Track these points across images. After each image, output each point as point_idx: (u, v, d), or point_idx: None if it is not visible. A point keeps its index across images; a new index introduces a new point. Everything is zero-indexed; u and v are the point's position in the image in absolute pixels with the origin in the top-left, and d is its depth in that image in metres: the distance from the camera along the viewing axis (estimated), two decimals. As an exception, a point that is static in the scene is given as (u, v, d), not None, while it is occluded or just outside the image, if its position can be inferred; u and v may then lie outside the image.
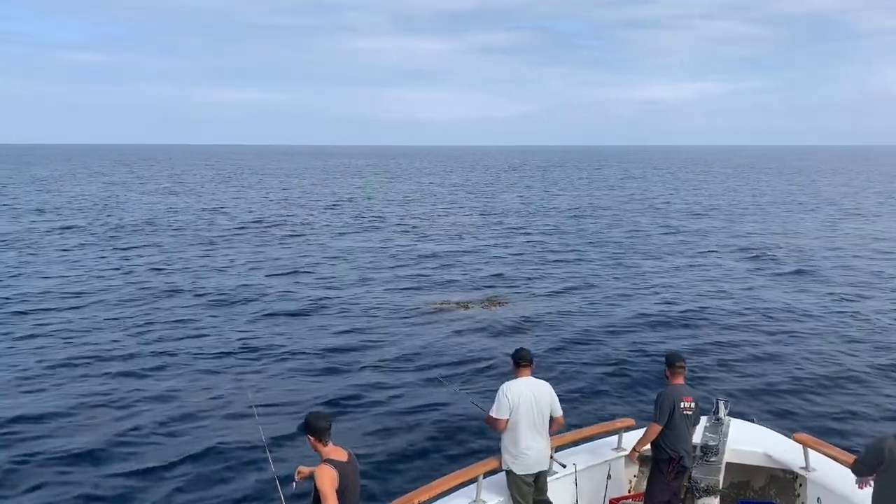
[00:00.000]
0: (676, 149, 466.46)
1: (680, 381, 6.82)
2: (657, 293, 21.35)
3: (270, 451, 6.39)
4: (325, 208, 48.79)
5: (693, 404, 6.76)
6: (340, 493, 4.98)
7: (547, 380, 6.81)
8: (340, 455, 5.17)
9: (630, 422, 7.75)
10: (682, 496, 7.06)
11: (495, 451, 6.81)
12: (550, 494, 6.77)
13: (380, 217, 43.02)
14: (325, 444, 5.15)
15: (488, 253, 29.28)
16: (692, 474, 7.07)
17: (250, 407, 10.59)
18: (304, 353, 15.41)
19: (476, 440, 10.60)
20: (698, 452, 7.22)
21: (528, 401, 6.44)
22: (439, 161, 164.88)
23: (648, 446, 6.92)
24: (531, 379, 6.60)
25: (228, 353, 15.19)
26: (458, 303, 19.83)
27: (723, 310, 19.12)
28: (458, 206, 50.61)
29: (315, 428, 5.13)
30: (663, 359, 7.01)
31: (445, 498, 6.47)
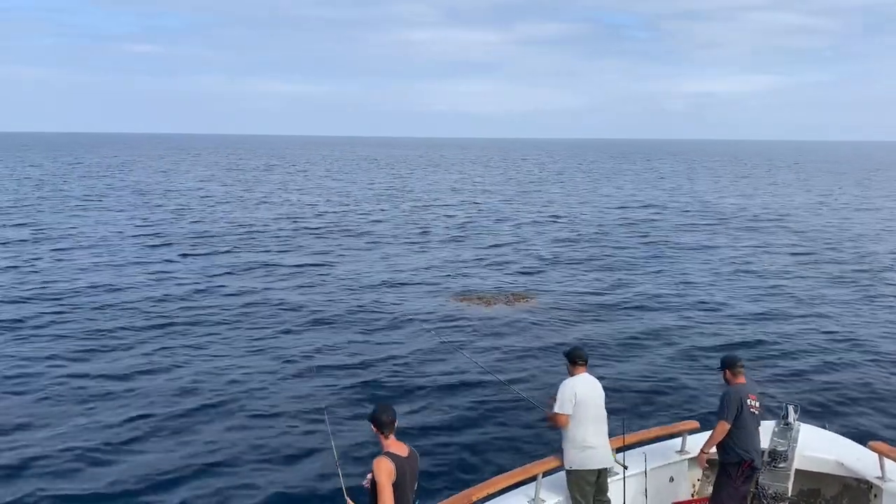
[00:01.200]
0: (728, 143, 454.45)
1: (742, 380, 6.68)
2: (710, 294, 20.79)
3: (334, 439, 6.45)
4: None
5: (758, 402, 6.64)
6: (397, 486, 5.04)
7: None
8: (401, 450, 5.22)
9: (695, 424, 7.54)
10: (749, 502, 6.86)
11: (555, 450, 6.74)
12: (611, 496, 6.66)
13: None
14: (387, 437, 5.21)
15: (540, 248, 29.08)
16: (759, 480, 6.87)
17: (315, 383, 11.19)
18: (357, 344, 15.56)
19: (534, 439, 10.51)
20: (766, 458, 7.00)
21: (591, 398, 6.49)
22: (489, 153, 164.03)
23: (714, 449, 6.72)
24: (589, 376, 6.65)
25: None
26: (490, 297, 19.65)
27: (786, 314, 18.38)
28: (495, 200, 50.36)
29: (378, 420, 5.22)
30: (719, 364, 6.91)
31: (504, 496, 6.42)
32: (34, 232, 30.45)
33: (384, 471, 5.01)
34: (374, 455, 5.27)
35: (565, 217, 39.71)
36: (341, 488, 5.57)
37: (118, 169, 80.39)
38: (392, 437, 5.24)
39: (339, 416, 11.33)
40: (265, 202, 45.17)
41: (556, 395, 6.55)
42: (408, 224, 35.84)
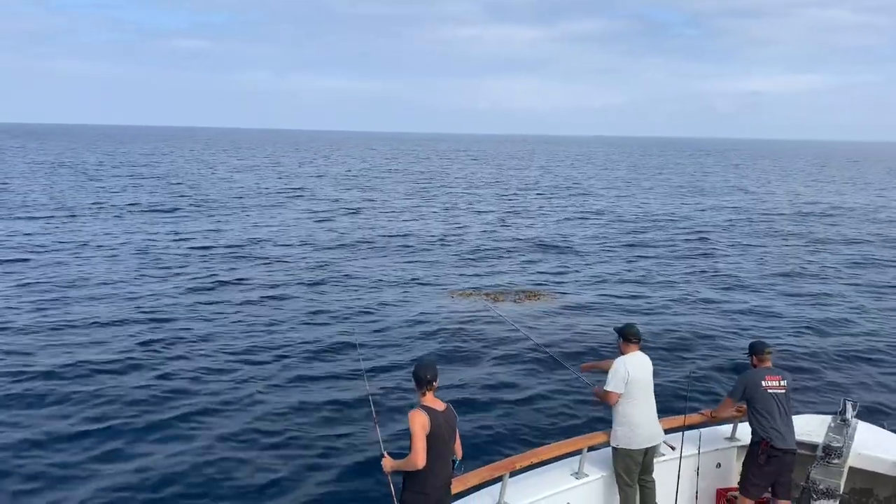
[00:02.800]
0: (779, 143, 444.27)
1: (766, 365, 6.72)
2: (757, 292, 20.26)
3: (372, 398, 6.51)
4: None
5: (781, 383, 6.58)
6: (431, 440, 5.14)
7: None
8: (437, 405, 5.32)
9: (745, 409, 7.31)
10: (798, 496, 6.74)
11: (602, 426, 6.73)
12: (655, 476, 6.62)
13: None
14: (425, 395, 5.32)
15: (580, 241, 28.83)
16: (811, 475, 6.70)
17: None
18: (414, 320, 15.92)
19: (582, 415, 10.60)
20: (820, 453, 6.87)
21: (642, 376, 6.47)
22: (541, 151, 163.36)
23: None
24: (641, 354, 6.60)
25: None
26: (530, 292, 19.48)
27: (847, 316, 17.78)
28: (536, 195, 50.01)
29: (418, 376, 5.34)
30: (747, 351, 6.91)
31: (547, 466, 6.44)
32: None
33: (418, 421, 5.14)
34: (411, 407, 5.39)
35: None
36: (378, 442, 5.71)
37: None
38: (430, 393, 5.32)
39: (380, 380, 11.87)
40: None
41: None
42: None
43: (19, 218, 30.77)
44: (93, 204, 36.60)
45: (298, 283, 19.65)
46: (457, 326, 15.57)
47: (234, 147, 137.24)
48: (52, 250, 23.64)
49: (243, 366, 12.97)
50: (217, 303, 17.41)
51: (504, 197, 47.34)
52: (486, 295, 18.58)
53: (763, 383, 6.58)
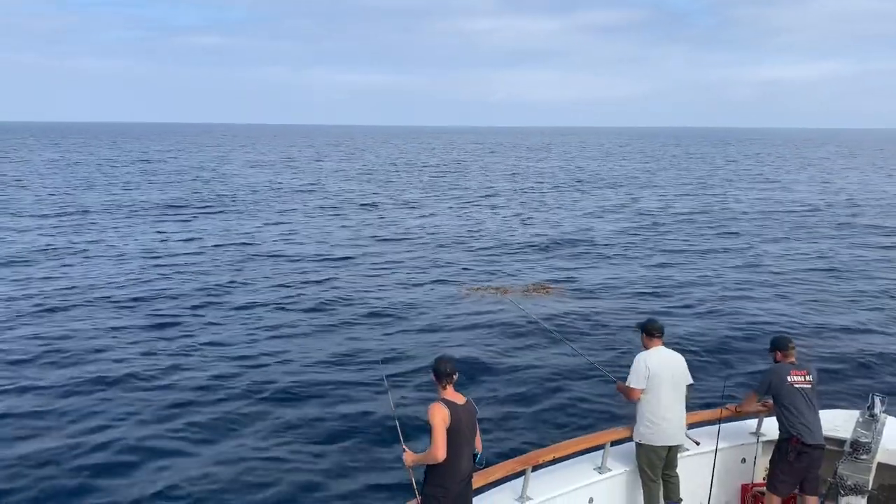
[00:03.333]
0: (799, 132, 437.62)
1: (791, 361, 6.62)
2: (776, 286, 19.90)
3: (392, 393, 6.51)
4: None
5: (807, 377, 6.48)
6: (452, 433, 5.12)
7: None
8: (457, 398, 5.31)
9: (771, 405, 7.19)
10: (826, 492, 6.64)
11: (625, 421, 6.68)
12: (679, 472, 6.54)
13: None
14: (445, 388, 5.30)
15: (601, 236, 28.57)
16: (838, 470, 6.60)
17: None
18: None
19: (605, 410, 10.55)
20: (847, 448, 6.74)
21: (667, 371, 6.38)
22: (558, 143, 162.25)
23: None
24: (666, 349, 6.52)
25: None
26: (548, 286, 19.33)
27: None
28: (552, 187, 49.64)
29: (437, 370, 5.32)
30: (769, 345, 6.81)
31: (570, 461, 6.39)
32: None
33: (438, 414, 5.14)
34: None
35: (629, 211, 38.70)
36: (398, 435, 5.73)
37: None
38: (450, 387, 5.31)
39: (398, 375, 11.95)
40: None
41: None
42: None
43: (31, 216, 30.91)
44: (106, 202, 36.69)
45: (312, 281, 19.57)
46: (474, 322, 15.53)
47: (250, 143, 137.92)
48: (63, 249, 23.62)
49: (261, 360, 13.03)
50: (228, 300, 17.37)
51: (520, 190, 47.14)
52: (499, 289, 18.44)
53: (789, 378, 6.47)
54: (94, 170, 60.26)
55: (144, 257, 22.55)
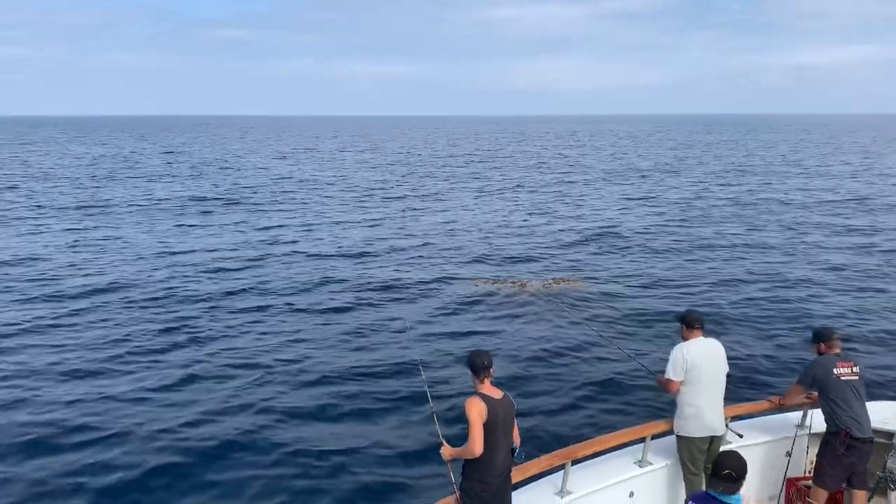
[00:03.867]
0: (832, 117, 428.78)
1: (836, 352, 6.47)
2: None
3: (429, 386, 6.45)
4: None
5: (854, 369, 6.31)
6: (489, 428, 5.06)
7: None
8: (495, 393, 5.24)
9: (816, 397, 6.99)
10: (874, 485, 6.47)
11: (666, 414, 6.57)
12: None
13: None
14: (482, 382, 5.23)
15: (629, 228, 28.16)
16: (888, 464, 6.43)
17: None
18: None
19: (645, 403, 10.44)
20: None
21: (706, 362, 6.24)
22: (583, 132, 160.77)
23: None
24: (707, 339, 6.38)
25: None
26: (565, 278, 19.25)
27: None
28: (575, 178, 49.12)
29: (473, 363, 5.26)
30: (811, 336, 6.68)
31: (610, 454, 6.30)
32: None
33: (475, 409, 5.07)
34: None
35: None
36: (437, 429, 5.67)
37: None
38: (487, 381, 5.25)
39: (434, 368, 11.87)
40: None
41: None
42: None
43: (51, 216, 30.87)
44: (128, 197, 36.78)
45: (333, 276, 19.43)
46: (503, 314, 15.42)
47: (275, 134, 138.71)
48: (81, 245, 23.65)
49: (297, 354, 13.04)
50: (246, 298, 17.27)
51: (544, 181, 46.69)
52: (518, 282, 18.17)
53: (835, 371, 6.31)
54: (118, 162, 61.05)
55: (163, 253, 22.48)
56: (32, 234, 26.03)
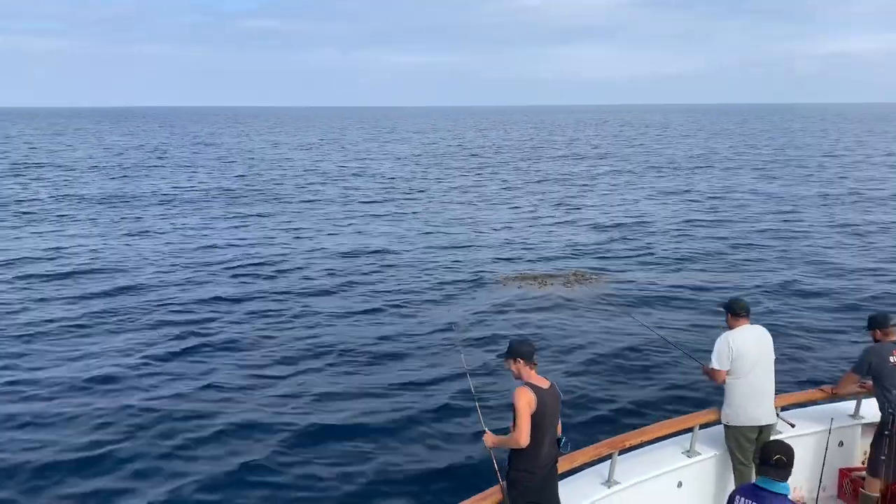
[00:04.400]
0: (867, 106, 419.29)
1: (893, 339, 6.29)
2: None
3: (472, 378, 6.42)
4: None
5: None
6: (537, 418, 4.94)
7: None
8: (542, 382, 5.11)
9: (870, 386, 6.77)
10: None
11: (714, 403, 6.41)
12: None
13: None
14: (529, 371, 5.12)
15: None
16: None
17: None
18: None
19: (693, 393, 10.26)
20: None
21: (754, 350, 6.09)
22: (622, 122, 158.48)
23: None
24: (754, 327, 6.20)
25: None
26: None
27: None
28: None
29: (519, 351, 5.12)
30: (866, 324, 6.51)
31: (657, 444, 6.18)
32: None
33: (524, 398, 4.94)
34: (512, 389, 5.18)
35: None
36: (479, 419, 5.57)
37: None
38: (534, 370, 5.13)
39: (476, 360, 11.71)
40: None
41: None
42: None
43: (78, 207, 31.02)
44: (156, 191, 36.43)
45: (362, 270, 19.21)
46: (542, 306, 15.22)
47: (303, 125, 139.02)
48: (109, 239, 23.59)
49: (337, 346, 13.04)
50: (286, 286, 17.26)
51: (571, 172, 46.17)
52: (559, 276, 17.88)
53: (892, 359, 6.11)
54: (148, 154, 61.67)
55: (190, 247, 22.31)
56: (69, 224, 26.44)
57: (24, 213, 29.06)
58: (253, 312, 15.15)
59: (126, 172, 45.05)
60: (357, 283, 17.89)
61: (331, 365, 12.09)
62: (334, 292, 16.91)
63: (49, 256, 20.86)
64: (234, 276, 18.59)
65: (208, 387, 11.03)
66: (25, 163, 52.63)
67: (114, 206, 30.77)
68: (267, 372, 11.81)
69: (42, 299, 16.22)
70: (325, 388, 11.06)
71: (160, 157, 56.06)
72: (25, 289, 17.17)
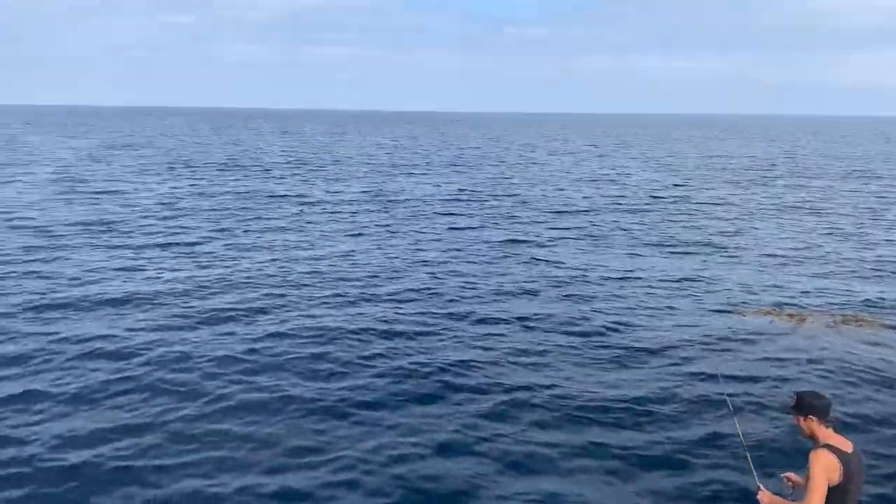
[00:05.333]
0: None
1: None
2: None
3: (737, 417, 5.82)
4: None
5: None
6: (843, 486, 4.27)
7: None
8: (844, 444, 4.44)
9: None
10: None
11: None
12: None
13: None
14: (826, 429, 4.47)
15: None
16: None
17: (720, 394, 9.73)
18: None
19: None
20: None
21: None
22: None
23: None
24: None
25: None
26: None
27: None
28: None
29: (813, 406, 4.48)
30: None
31: None
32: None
33: (821, 463, 4.31)
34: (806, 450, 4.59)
35: None
36: (751, 471, 5.00)
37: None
38: (831, 428, 4.45)
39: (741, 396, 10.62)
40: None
41: None
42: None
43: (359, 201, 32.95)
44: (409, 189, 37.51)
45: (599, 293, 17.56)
46: (796, 347, 13.22)
47: (588, 132, 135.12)
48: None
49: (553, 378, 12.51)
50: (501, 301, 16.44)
51: (849, 191, 39.88)
52: (796, 316, 15.22)
53: None
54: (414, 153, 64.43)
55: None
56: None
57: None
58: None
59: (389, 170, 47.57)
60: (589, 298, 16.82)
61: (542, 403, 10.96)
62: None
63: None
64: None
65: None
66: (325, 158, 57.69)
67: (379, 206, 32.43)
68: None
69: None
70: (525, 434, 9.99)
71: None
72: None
